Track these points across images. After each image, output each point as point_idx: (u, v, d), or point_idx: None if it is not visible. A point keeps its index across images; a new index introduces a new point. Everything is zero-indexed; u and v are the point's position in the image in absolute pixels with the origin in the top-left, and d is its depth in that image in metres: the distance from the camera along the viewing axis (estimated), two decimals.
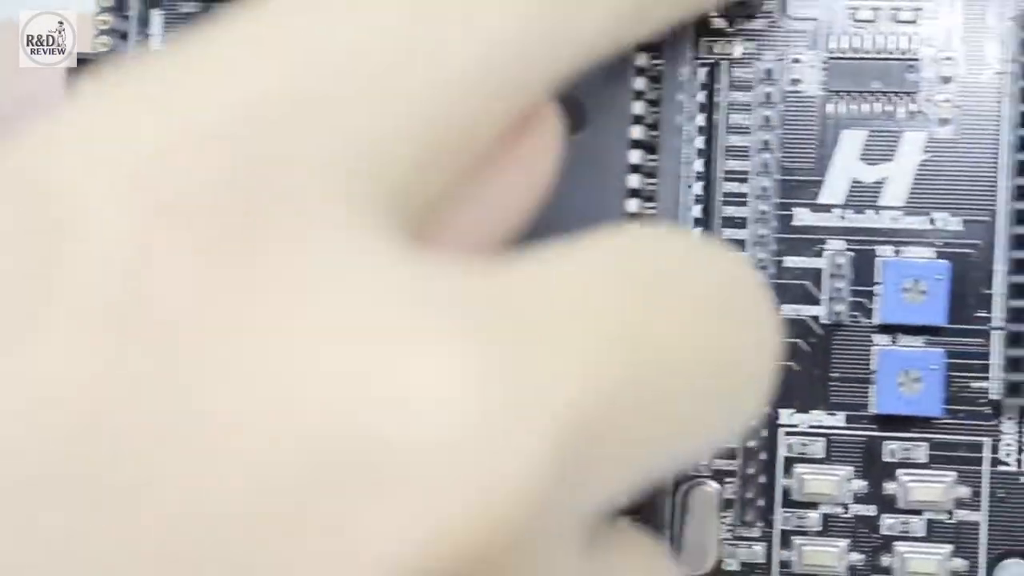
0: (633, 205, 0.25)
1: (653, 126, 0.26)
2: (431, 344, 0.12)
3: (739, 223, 0.26)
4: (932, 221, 0.26)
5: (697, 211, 0.26)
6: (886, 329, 0.26)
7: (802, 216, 0.26)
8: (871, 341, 0.26)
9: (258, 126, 0.13)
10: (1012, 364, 0.25)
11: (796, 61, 0.26)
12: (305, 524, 0.12)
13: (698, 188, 0.26)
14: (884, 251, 0.26)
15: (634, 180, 0.25)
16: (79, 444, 0.12)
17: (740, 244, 0.26)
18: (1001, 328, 0.26)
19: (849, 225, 0.26)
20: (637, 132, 0.25)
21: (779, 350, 0.18)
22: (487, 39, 0.15)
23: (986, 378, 0.26)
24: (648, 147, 0.26)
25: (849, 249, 0.26)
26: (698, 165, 0.26)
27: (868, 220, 0.26)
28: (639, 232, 0.16)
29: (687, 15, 0.23)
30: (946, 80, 0.26)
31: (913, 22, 0.26)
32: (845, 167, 0.26)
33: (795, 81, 0.26)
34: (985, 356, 0.26)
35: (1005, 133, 0.26)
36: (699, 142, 0.26)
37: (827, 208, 0.26)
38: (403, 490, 0.12)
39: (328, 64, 0.14)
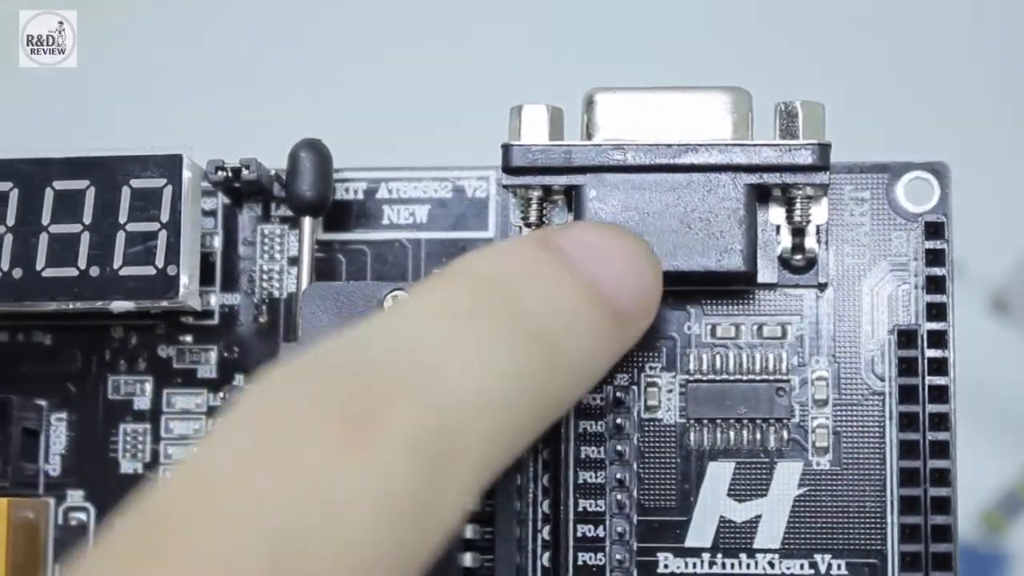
0: (468, 559, 0.22)
1: None
2: None
3: (595, 573, 0.23)
4: (813, 565, 0.23)
5: (545, 559, 0.23)
6: None
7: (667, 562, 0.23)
8: None
9: None
10: None
11: (651, 385, 0.23)
12: None
13: (545, 533, 0.23)
14: None
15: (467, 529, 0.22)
16: None
17: None
18: None
19: (719, 572, 0.23)
20: None
21: None
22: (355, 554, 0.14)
23: None
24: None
25: None
26: (544, 506, 0.23)
27: (741, 566, 0.23)
28: None
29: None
30: (821, 404, 0.23)
31: (781, 337, 0.23)
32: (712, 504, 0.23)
33: (651, 408, 0.23)
34: None
35: (890, 462, 0.23)
36: (544, 478, 0.23)
37: (695, 552, 0.23)
38: None
39: None
